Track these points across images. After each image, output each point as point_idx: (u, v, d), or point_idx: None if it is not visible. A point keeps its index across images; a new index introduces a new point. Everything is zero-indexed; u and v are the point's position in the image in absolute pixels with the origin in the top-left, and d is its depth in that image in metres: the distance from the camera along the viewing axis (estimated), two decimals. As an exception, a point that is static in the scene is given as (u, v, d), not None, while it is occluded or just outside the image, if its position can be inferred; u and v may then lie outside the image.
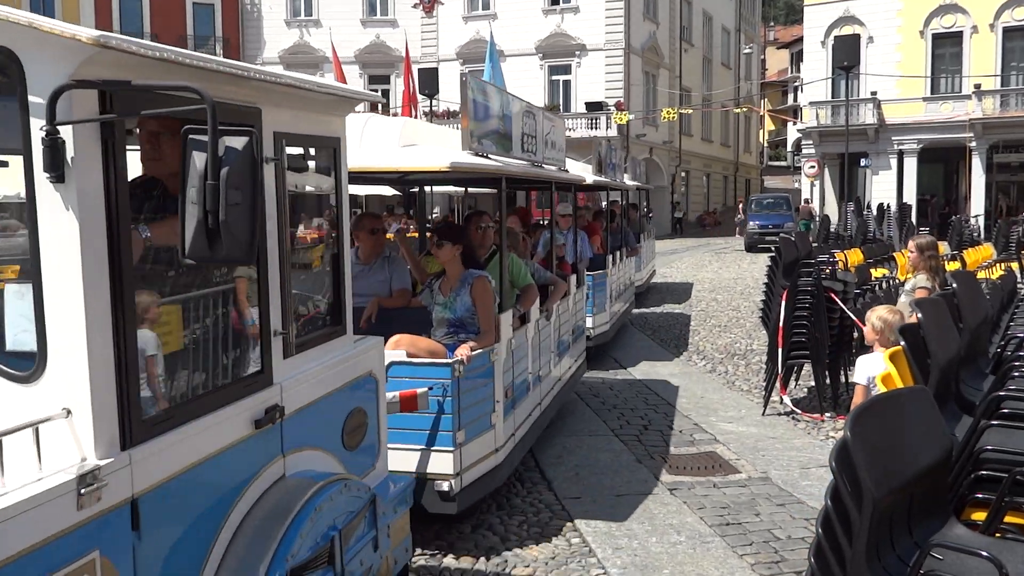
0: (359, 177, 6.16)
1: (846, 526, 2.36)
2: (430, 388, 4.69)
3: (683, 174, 44.18)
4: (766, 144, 70.11)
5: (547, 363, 6.92)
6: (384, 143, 5.37)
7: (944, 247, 16.20)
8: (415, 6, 37.94)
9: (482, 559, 4.82)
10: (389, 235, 9.11)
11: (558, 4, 36.60)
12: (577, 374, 8.35)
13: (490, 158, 5.61)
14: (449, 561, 4.78)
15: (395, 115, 29.97)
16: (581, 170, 11.43)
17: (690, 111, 40.44)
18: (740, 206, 39.57)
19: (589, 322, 9.66)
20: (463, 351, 4.99)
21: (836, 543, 2.36)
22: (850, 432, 2.36)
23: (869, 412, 2.50)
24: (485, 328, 5.32)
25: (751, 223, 30.98)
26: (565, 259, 8.65)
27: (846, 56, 26.91)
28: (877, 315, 5.35)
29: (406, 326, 5.27)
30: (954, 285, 4.92)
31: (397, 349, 4.85)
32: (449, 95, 34.52)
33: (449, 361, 4.86)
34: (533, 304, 6.33)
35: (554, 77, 37.22)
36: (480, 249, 6.05)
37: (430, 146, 5.71)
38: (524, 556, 4.87)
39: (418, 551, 4.88)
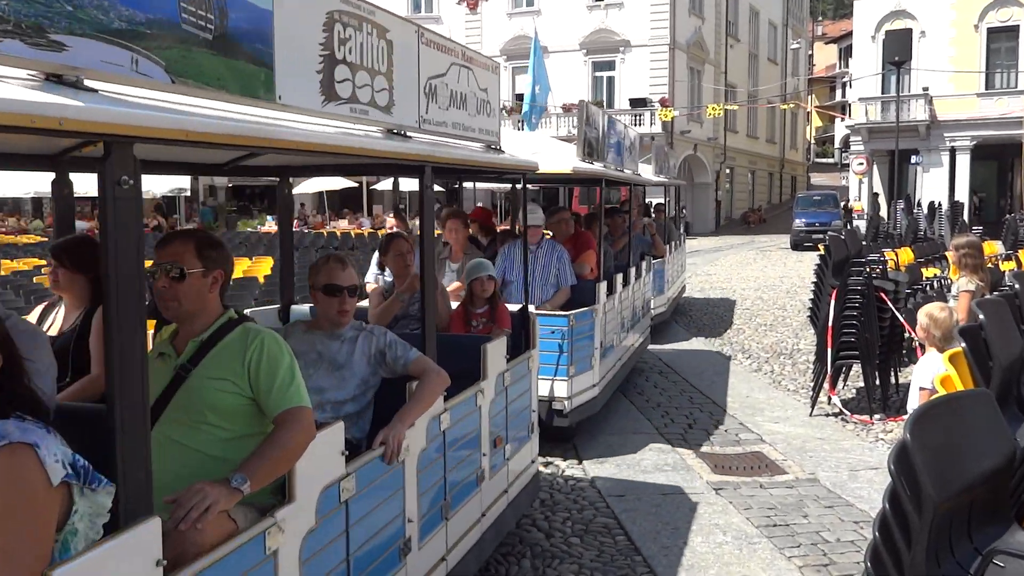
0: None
1: (904, 530, 2.31)
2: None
3: (727, 171, 43.70)
4: (813, 141, 69.03)
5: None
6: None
7: (998, 246, 15.79)
8: (459, 2, 38.01)
9: (527, 554, 4.82)
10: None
11: (602, 0, 36.40)
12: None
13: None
14: (493, 555, 4.79)
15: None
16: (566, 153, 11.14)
17: (736, 107, 39.94)
18: None
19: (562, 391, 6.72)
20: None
21: (894, 547, 2.32)
22: (909, 434, 2.32)
23: (929, 414, 2.45)
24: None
25: (797, 220, 30.50)
26: (501, 300, 5.45)
27: (897, 51, 26.43)
28: (925, 312, 5.25)
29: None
30: (1016, 286, 4.79)
31: None
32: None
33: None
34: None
35: (598, 73, 37.05)
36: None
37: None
38: (569, 553, 4.87)
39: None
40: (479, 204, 13.18)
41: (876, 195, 30.04)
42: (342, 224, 29.17)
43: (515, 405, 4.78)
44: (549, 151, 7.41)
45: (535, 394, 5.22)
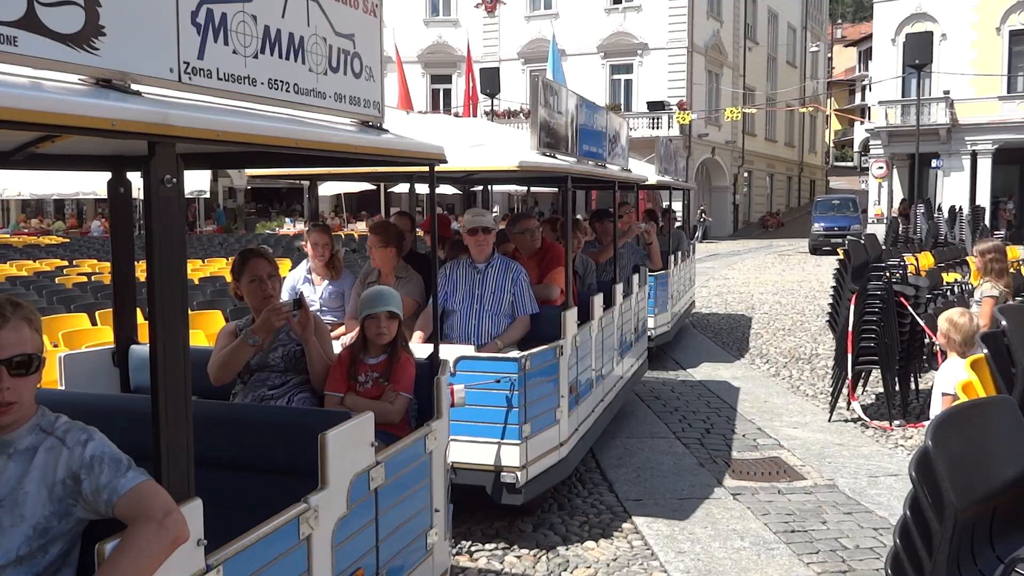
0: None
1: (925, 537, 2.30)
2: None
3: (746, 174, 43.52)
4: (832, 144, 68.60)
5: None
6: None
7: (1020, 251, 15.64)
8: (477, 6, 38.13)
9: (543, 558, 4.83)
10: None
11: (620, 3, 36.39)
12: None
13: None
14: (510, 559, 4.80)
15: (456, 115, 30.19)
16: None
17: (754, 110, 39.81)
18: None
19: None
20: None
21: (915, 554, 2.31)
22: (931, 441, 2.30)
23: (951, 421, 2.43)
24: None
25: (816, 224, 30.30)
26: (403, 351, 3.83)
27: (918, 54, 26.14)
28: (945, 318, 5.21)
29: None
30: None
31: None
32: (510, 95, 34.64)
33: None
34: None
35: (615, 76, 37.02)
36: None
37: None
38: (585, 557, 4.86)
39: (479, 548, 4.92)
40: (442, 210, 10.93)
41: (928, 201, 28.87)
42: (360, 226, 29.29)
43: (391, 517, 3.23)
44: (500, 141, 6.07)
45: (439, 493, 3.69)
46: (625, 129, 8.30)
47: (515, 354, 5.01)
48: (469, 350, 4.93)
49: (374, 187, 32.71)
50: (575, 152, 6.04)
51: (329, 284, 5.82)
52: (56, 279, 12.21)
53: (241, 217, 35.99)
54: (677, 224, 14.07)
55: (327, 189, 31.18)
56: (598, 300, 6.52)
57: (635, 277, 8.25)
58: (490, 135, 6.35)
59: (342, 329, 5.41)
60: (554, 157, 5.52)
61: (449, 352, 4.53)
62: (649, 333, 9.50)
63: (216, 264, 15.10)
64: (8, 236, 25.23)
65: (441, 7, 38.88)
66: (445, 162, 3.54)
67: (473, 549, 4.92)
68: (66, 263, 15.36)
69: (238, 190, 38.43)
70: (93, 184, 20.28)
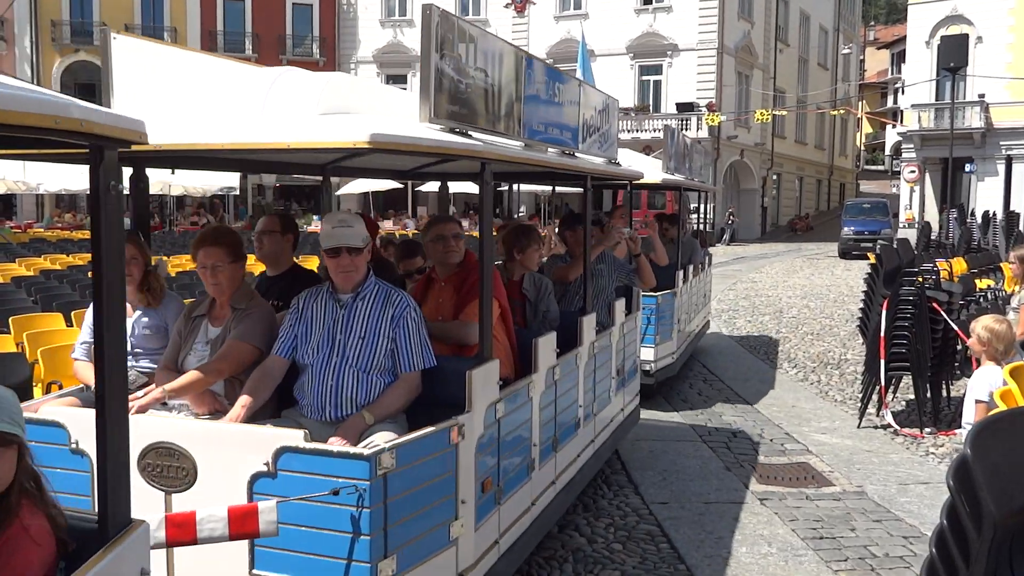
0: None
1: (963, 547, 2.26)
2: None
3: (775, 177, 43.15)
4: (863, 147, 67.85)
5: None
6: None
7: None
8: (507, 6, 38.15)
9: (569, 559, 4.81)
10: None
11: (650, 3, 36.22)
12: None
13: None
14: (536, 560, 4.78)
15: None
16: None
17: (784, 113, 39.47)
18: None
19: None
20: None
21: (951, 564, 2.27)
22: (970, 449, 2.26)
23: (990, 429, 2.38)
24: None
25: (845, 229, 29.95)
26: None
27: (952, 57, 25.82)
28: (983, 325, 5.13)
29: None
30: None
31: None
32: (538, 95, 34.57)
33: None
34: None
35: (644, 77, 36.86)
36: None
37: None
38: (612, 559, 4.84)
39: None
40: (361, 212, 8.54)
41: (961, 206, 27.81)
42: (387, 224, 29.47)
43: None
44: (387, 107, 3.94)
45: None
46: (615, 111, 6.31)
47: (369, 445, 3.06)
48: (298, 438, 2.94)
49: (400, 186, 32.89)
50: (514, 130, 4.10)
51: (143, 314, 4.14)
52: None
53: (269, 214, 36.23)
54: (691, 230, 11.71)
55: (354, 187, 31.36)
56: (547, 342, 4.51)
57: (619, 304, 6.16)
58: (368, 100, 3.85)
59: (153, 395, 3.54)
60: (464, 135, 3.53)
61: (262, 440, 2.97)
62: (647, 367, 7.86)
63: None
64: (42, 230, 25.65)
65: (471, 7, 38.93)
66: (641, 179, 5.34)
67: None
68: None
69: (267, 187, 38.77)
70: (127, 179, 20.51)
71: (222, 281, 3.75)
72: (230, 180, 25.96)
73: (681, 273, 9.08)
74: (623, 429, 6.41)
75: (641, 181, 7.49)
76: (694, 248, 10.26)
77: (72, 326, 7.33)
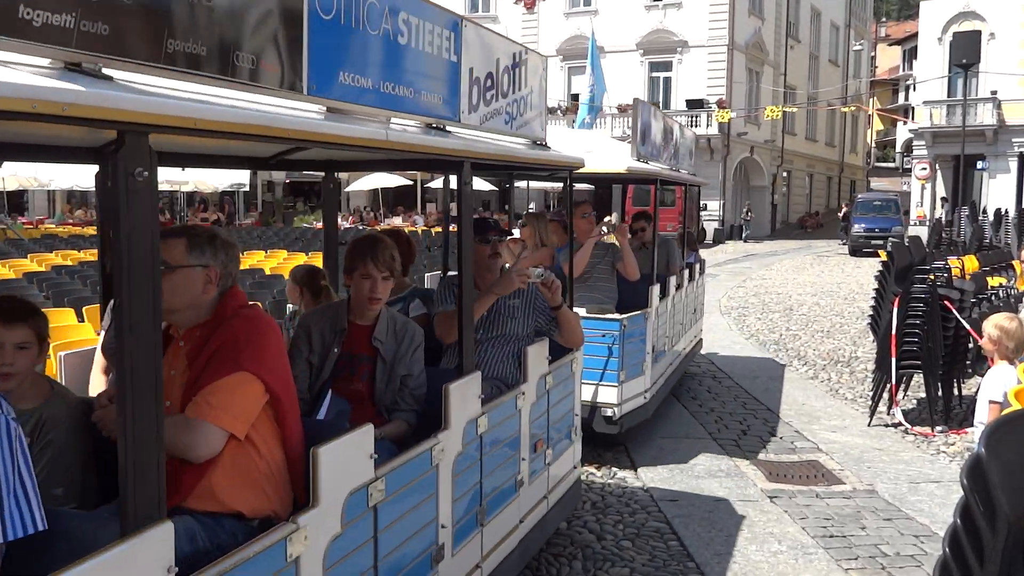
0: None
1: (976, 547, 2.24)
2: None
3: (784, 174, 42.97)
4: (874, 144, 67.52)
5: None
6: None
7: (1068, 257, 15.23)
8: (517, 2, 38.11)
9: (578, 556, 4.80)
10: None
11: (660, 0, 36.11)
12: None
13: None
14: (545, 556, 4.78)
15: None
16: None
17: (794, 109, 39.27)
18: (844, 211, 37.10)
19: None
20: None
21: (965, 563, 2.26)
22: (984, 448, 2.24)
23: (1005, 428, 2.36)
24: None
25: (856, 226, 29.79)
26: None
27: (965, 53, 25.61)
28: (994, 323, 5.08)
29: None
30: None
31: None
32: (549, 91, 34.54)
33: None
34: None
35: (654, 74, 36.74)
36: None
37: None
38: (621, 556, 4.83)
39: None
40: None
41: (972, 203, 27.09)
42: (396, 221, 29.51)
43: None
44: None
45: None
46: (541, 72, 4.49)
47: None
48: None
49: (410, 182, 32.90)
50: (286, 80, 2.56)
51: None
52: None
53: (279, 211, 36.38)
54: (672, 232, 9.89)
55: (363, 184, 31.42)
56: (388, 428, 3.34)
57: (534, 350, 4.20)
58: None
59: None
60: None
61: None
62: (608, 412, 6.35)
63: (255, 256, 15.25)
64: (54, 226, 25.79)
65: (480, 3, 38.89)
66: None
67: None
68: (109, 253, 15.58)
69: (276, 184, 38.88)
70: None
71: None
72: (240, 177, 26.02)
73: (657, 288, 7.03)
74: (546, 523, 4.53)
75: (596, 171, 6.04)
76: (670, 251, 8.05)
77: (84, 322, 7.35)
